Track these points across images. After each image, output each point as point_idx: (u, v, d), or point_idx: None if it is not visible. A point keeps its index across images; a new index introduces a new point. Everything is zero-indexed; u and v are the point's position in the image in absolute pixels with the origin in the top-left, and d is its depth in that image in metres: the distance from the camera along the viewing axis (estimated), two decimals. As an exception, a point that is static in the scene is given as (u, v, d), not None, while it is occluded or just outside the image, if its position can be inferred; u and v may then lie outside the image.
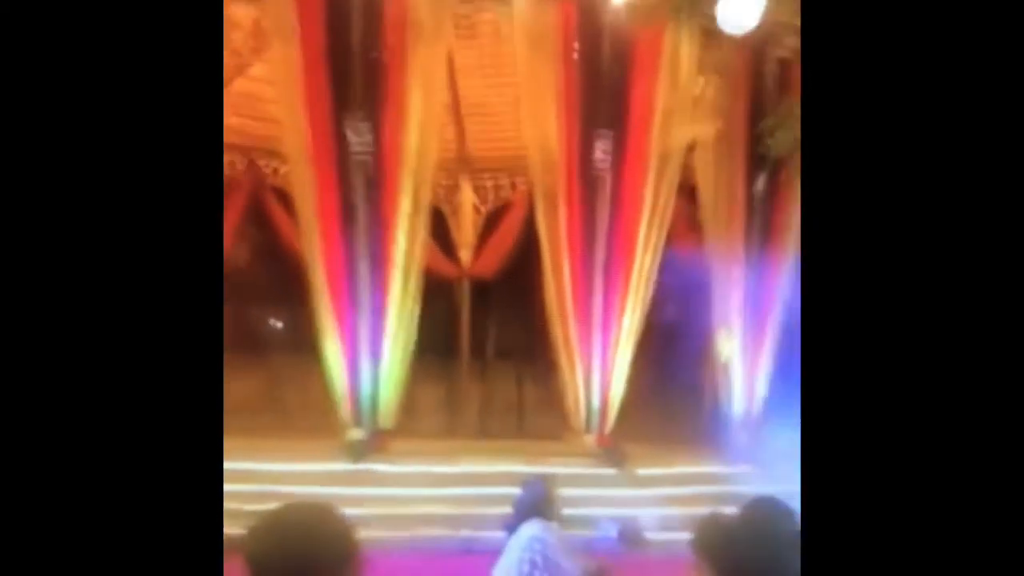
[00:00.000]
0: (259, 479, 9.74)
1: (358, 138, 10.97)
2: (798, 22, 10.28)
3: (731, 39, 10.86)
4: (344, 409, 11.20)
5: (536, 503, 8.13)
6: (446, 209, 15.50)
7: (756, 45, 11.44)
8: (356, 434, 11.11)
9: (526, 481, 8.45)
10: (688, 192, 12.46)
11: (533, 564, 7.66)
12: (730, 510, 2.35)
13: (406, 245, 11.16)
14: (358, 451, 10.93)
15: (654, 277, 11.76)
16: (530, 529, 7.80)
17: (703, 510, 9.37)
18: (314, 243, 11.14)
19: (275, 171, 14.51)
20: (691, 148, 12.23)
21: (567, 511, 8.34)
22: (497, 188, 15.68)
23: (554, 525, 7.90)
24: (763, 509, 2.32)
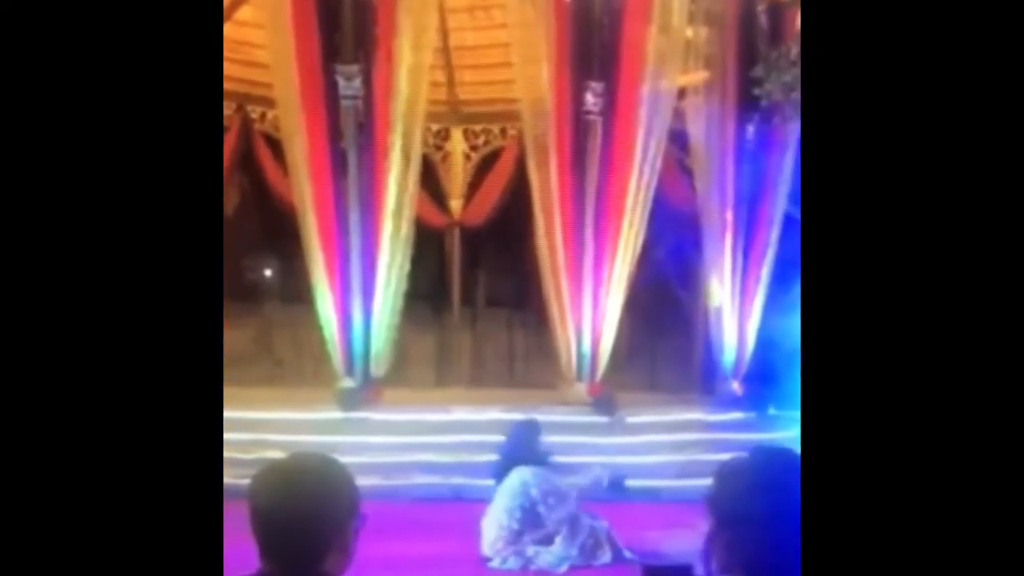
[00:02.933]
0: (253, 428, 9.80)
1: (348, 82, 10.89)
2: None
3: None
4: (336, 358, 11.20)
5: (520, 449, 8.18)
6: (436, 156, 15.36)
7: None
8: (348, 383, 11.11)
9: (510, 427, 8.48)
10: (679, 138, 12.39)
11: (523, 510, 7.73)
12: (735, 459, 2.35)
13: (397, 192, 11.11)
14: (350, 400, 10.94)
15: (645, 224, 11.71)
16: (518, 475, 7.86)
17: (693, 457, 9.49)
18: (304, 190, 11.08)
19: (263, 116, 14.36)
20: (682, 94, 12.14)
21: (559, 458, 8.44)
22: (487, 135, 15.52)
23: (541, 470, 7.96)
24: (760, 457, 2.28)
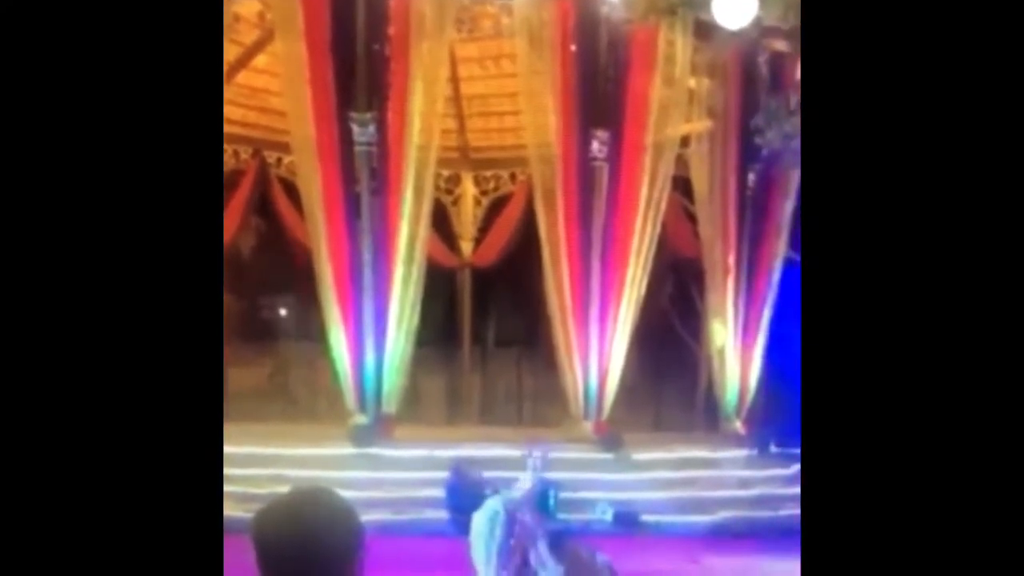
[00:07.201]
0: (266, 463, 10.01)
1: (362, 129, 11.12)
2: (789, 20, 10.51)
3: (724, 35, 11.08)
4: (349, 395, 11.31)
5: (468, 489, 8.30)
6: (447, 200, 15.71)
7: (748, 41, 11.65)
8: (360, 420, 11.22)
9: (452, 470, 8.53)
10: (682, 185, 12.68)
11: (509, 524, 7.86)
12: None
13: (408, 235, 11.27)
14: (362, 436, 11.06)
15: (649, 267, 11.93)
16: (491, 504, 8.02)
17: (696, 494, 9.64)
18: (319, 233, 11.27)
19: (279, 161, 14.69)
20: (685, 142, 12.44)
21: (566, 494, 8.59)
22: (497, 180, 15.94)
23: (498, 499, 8.10)
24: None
